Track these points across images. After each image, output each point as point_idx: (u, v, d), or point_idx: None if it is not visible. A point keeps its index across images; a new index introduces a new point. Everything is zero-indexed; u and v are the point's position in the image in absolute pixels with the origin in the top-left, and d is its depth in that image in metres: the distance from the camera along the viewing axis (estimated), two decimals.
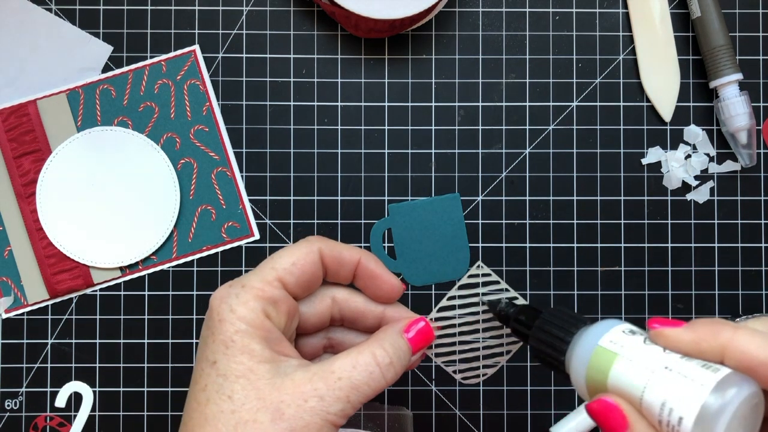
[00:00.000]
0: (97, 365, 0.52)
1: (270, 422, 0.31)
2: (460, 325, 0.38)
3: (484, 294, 0.38)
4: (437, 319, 0.38)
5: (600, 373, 0.30)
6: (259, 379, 0.32)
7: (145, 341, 0.52)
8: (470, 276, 0.38)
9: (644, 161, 0.53)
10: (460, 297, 0.38)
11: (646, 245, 0.52)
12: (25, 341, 0.51)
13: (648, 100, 0.53)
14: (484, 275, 0.38)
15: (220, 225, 0.52)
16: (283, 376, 0.32)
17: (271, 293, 0.34)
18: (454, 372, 0.39)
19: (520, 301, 0.38)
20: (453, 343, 0.38)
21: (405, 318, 0.37)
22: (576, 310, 0.52)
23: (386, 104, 0.53)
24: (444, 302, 0.38)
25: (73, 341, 0.52)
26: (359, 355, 0.34)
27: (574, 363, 0.31)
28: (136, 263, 0.52)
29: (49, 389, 0.51)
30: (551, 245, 0.52)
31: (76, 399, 0.51)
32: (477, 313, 0.38)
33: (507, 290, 0.38)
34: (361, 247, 0.52)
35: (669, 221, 0.53)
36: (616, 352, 0.30)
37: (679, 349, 0.29)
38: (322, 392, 0.32)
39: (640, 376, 0.28)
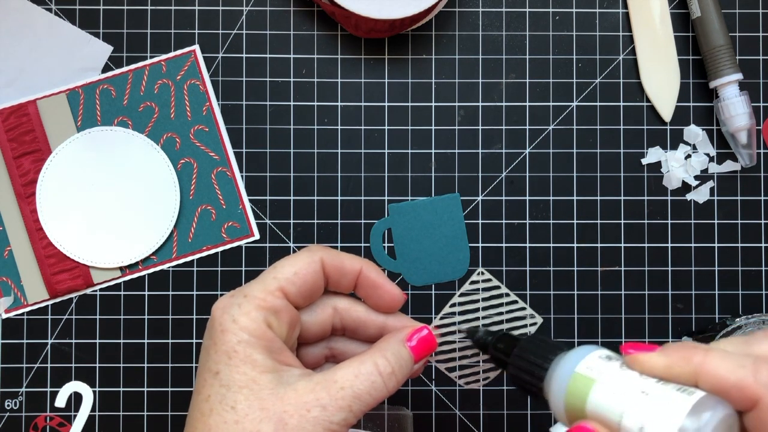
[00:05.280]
0: (97, 365, 0.52)
1: None
2: (462, 331, 0.38)
3: (460, 323, 0.38)
4: (439, 326, 0.38)
5: (578, 399, 0.30)
6: (261, 390, 0.32)
7: (145, 341, 0.52)
8: (472, 282, 0.38)
9: (644, 161, 0.53)
10: (461, 304, 0.38)
11: (646, 245, 0.52)
12: (25, 341, 0.51)
13: (648, 100, 0.53)
14: (485, 281, 0.38)
15: (220, 225, 0.52)
16: (286, 386, 0.32)
17: (273, 303, 0.34)
18: (457, 377, 0.39)
19: (497, 329, 0.38)
20: (454, 349, 0.38)
21: (407, 326, 0.37)
22: (576, 311, 0.52)
23: (386, 104, 0.53)
24: (446, 309, 0.38)
25: (73, 341, 0.52)
26: (361, 364, 0.34)
27: (552, 390, 0.32)
28: (136, 263, 0.52)
29: (49, 389, 0.51)
30: (551, 245, 0.52)
31: (76, 399, 0.51)
32: (478, 319, 0.38)
33: (507, 295, 0.38)
34: (361, 247, 0.52)
35: (669, 221, 0.53)
36: (593, 378, 0.30)
37: (653, 374, 0.29)
38: (324, 402, 0.32)
39: (617, 401, 0.29)
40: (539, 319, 0.38)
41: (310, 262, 0.35)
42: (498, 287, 0.38)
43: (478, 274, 0.38)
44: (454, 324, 0.38)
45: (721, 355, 0.28)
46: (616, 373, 0.30)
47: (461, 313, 0.38)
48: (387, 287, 0.37)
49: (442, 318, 0.38)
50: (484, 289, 0.38)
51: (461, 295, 0.38)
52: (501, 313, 0.38)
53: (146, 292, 0.52)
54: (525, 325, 0.38)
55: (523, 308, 0.38)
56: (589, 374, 0.30)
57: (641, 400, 0.28)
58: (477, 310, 0.38)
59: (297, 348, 0.38)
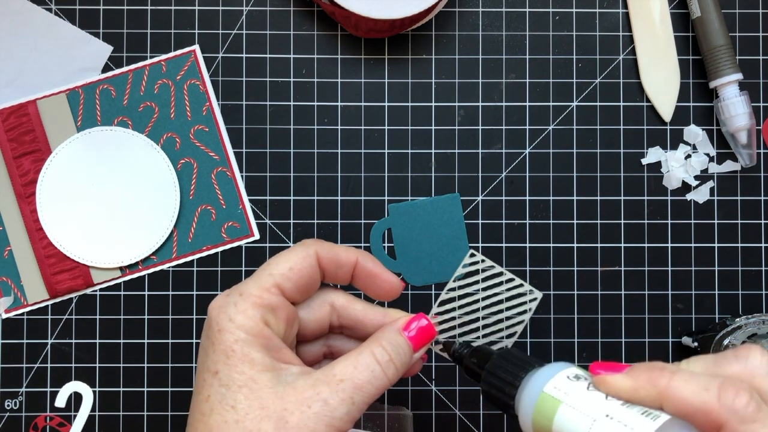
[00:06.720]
0: (97, 365, 0.52)
1: (274, 431, 0.31)
2: (461, 315, 0.38)
3: (460, 307, 0.38)
4: (438, 314, 0.38)
5: (545, 419, 0.30)
6: (261, 389, 0.32)
7: (145, 341, 0.52)
8: (465, 266, 0.38)
9: (644, 161, 0.53)
10: (459, 288, 0.38)
11: (646, 245, 0.52)
12: (25, 341, 0.51)
13: (648, 100, 0.53)
14: (476, 263, 0.39)
15: (220, 225, 0.52)
16: (285, 385, 0.32)
17: (269, 300, 0.34)
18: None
19: (477, 343, 0.38)
20: (455, 336, 0.38)
21: (403, 317, 0.37)
22: (576, 311, 0.52)
23: (386, 104, 0.53)
24: (444, 296, 0.38)
25: (73, 341, 0.52)
26: (359, 356, 0.34)
27: (521, 408, 0.32)
28: (136, 263, 0.52)
29: (49, 389, 0.51)
30: (551, 245, 0.52)
31: (76, 399, 0.51)
32: (478, 301, 0.38)
33: (503, 274, 0.38)
34: (361, 247, 0.52)
35: (669, 221, 0.53)
36: (560, 399, 0.30)
37: (619, 396, 0.29)
38: (325, 395, 0.32)
39: (582, 423, 0.29)
40: (539, 294, 0.38)
41: (305, 257, 0.35)
42: (492, 267, 0.38)
43: (470, 255, 0.38)
44: (453, 310, 0.38)
45: (686, 377, 0.28)
46: (583, 395, 0.30)
47: (460, 297, 0.38)
48: (384, 276, 0.37)
49: (440, 305, 0.38)
50: (476, 272, 0.38)
51: (456, 279, 0.38)
52: (500, 293, 0.38)
53: (146, 292, 0.52)
54: (525, 302, 0.38)
55: (521, 285, 0.38)
56: (556, 395, 0.30)
57: (605, 423, 0.28)
58: (476, 292, 0.38)
59: (296, 345, 0.38)
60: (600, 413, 0.29)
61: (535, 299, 0.38)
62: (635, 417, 0.28)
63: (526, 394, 0.32)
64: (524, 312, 0.39)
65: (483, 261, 0.38)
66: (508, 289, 0.38)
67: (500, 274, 0.38)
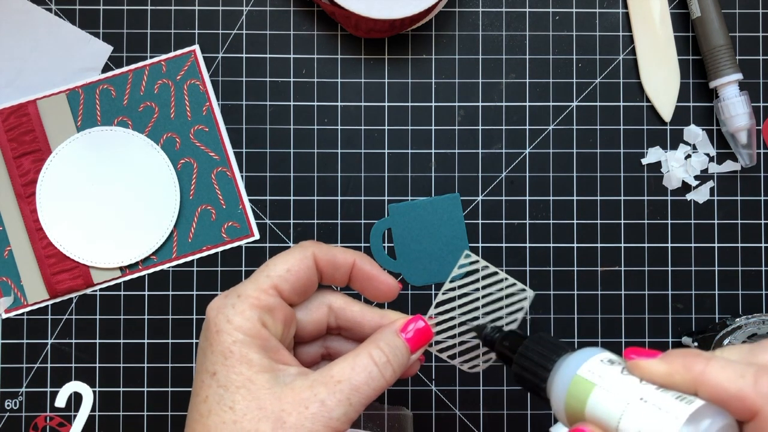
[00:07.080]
0: (97, 365, 0.52)
1: (272, 431, 0.31)
2: (460, 315, 0.38)
3: (460, 306, 0.38)
4: (435, 315, 0.38)
5: (578, 401, 0.30)
6: (259, 389, 0.32)
7: (145, 341, 0.52)
8: (460, 266, 0.38)
9: (644, 161, 0.53)
10: (455, 289, 0.38)
11: (646, 245, 0.52)
12: (25, 341, 0.51)
13: (648, 100, 0.53)
14: (473, 263, 0.39)
15: (220, 225, 0.52)
16: (283, 386, 0.32)
17: (266, 301, 0.34)
18: (460, 363, 0.39)
19: (507, 327, 0.38)
20: (454, 335, 0.39)
21: (401, 318, 0.37)
22: (576, 311, 0.52)
23: (386, 104, 0.53)
24: (440, 297, 0.38)
25: (73, 341, 0.52)
26: (356, 357, 0.34)
27: (554, 391, 0.32)
28: (136, 263, 0.52)
29: (49, 389, 0.51)
30: (551, 245, 0.52)
31: (76, 399, 0.51)
32: (474, 301, 0.39)
33: (496, 273, 0.38)
34: (361, 247, 0.52)
35: (669, 221, 0.53)
36: (594, 382, 0.30)
37: (653, 381, 0.29)
38: (322, 396, 0.32)
39: (616, 406, 0.29)
40: (531, 293, 0.38)
41: (303, 258, 0.36)
42: (487, 267, 0.38)
43: (465, 256, 0.38)
44: (453, 309, 0.38)
45: (722, 364, 0.28)
46: (617, 378, 0.30)
47: (457, 298, 0.38)
48: (382, 278, 0.37)
49: (436, 306, 0.38)
50: (472, 272, 0.39)
51: (452, 280, 0.38)
52: (495, 293, 0.38)
53: (146, 292, 0.52)
54: (518, 300, 0.39)
55: (514, 284, 0.38)
56: (590, 378, 0.30)
57: (639, 406, 0.28)
58: (473, 292, 0.38)
59: (293, 346, 0.38)
60: (634, 397, 0.29)
61: (526, 298, 0.38)
62: (670, 401, 0.28)
63: (559, 377, 0.32)
64: (518, 310, 0.39)
65: (477, 261, 0.38)
66: (502, 289, 0.38)
67: (495, 273, 0.39)
